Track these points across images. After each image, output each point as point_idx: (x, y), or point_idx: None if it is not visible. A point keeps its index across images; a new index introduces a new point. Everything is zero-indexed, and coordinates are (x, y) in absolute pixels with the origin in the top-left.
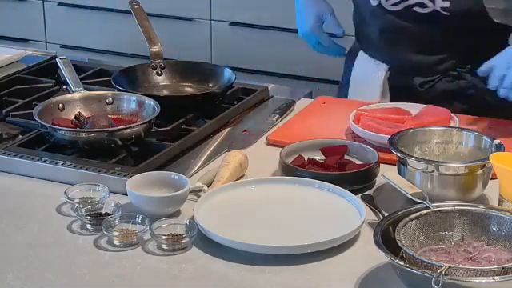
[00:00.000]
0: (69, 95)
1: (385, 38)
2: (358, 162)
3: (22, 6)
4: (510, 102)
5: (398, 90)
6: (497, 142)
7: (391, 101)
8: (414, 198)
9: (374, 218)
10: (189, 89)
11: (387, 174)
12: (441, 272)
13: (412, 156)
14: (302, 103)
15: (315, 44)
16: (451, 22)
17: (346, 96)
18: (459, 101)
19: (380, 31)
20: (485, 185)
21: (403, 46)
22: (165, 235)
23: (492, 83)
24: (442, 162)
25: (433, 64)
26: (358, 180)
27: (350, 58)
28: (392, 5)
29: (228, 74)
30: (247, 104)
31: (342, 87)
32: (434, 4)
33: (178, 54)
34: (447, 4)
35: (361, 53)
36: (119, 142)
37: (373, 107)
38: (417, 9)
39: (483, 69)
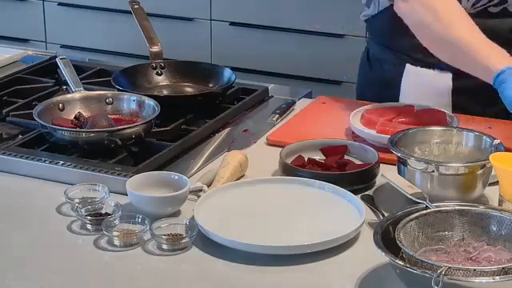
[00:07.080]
0: (69, 95)
1: None
2: (358, 162)
3: (22, 6)
4: None
5: (466, 94)
6: (497, 141)
7: (457, 107)
8: (414, 198)
9: (374, 218)
10: (189, 89)
11: (387, 174)
12: (441, 272)
13: (412, 156)
14: (301, 103)
15: None
16: None
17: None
18: None
19: None
20: (485, 185)
21: None
22: (165, 235)
23: None
24: (442, 162)
25: None
26: (357, 180)
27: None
28: (471, 7)
29: (228, 73)
30: (247, 104)
31: (361, 93)
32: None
33: (178, 54)
34: None
35: (408, 66)
36: (119, 142)
37: (373, 107)
38: (491, 9)
39: None
